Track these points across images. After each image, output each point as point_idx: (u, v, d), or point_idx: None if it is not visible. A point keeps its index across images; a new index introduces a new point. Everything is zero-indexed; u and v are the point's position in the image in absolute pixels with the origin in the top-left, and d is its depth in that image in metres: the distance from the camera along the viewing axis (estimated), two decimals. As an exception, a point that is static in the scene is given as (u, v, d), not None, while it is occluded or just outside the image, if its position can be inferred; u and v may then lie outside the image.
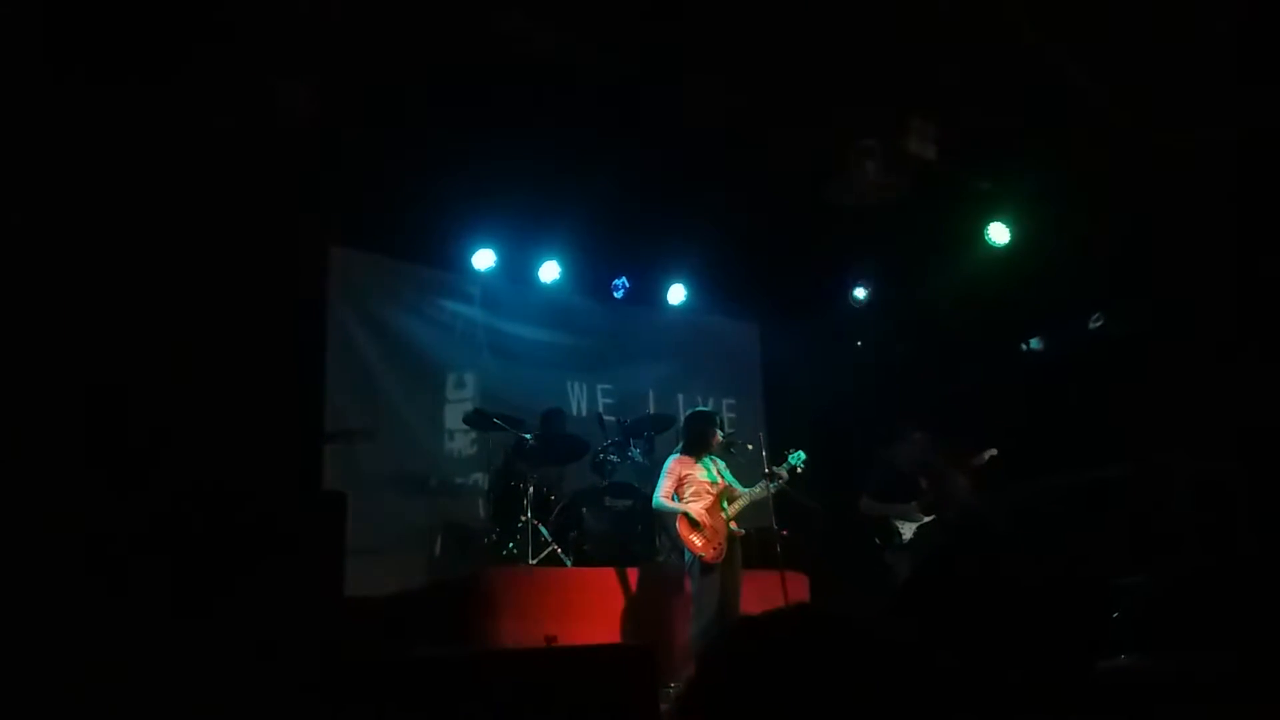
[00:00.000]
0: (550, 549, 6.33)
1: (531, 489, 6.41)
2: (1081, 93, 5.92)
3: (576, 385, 8.29)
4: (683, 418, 6.52)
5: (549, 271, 7.87)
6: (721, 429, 6.09)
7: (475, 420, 7.08)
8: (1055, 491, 6.62)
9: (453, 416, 7.53)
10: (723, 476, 5.92)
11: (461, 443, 7.59)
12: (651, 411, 7.96)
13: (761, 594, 5.85)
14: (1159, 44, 5.35)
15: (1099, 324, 7.46)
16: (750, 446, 6.26)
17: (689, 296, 8.62)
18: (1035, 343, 6.82)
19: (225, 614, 3.19)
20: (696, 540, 5.64)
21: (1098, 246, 6.90)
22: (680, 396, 8.57)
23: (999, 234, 7.34)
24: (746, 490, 5.89)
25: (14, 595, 2.95)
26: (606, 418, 7.43)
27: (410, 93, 5.60)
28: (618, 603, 6.00)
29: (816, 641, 0.92)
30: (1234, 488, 5.88)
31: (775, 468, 5.90)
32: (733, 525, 5.74)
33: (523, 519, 6.31)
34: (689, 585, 5.75)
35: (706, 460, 5.92)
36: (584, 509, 6.69)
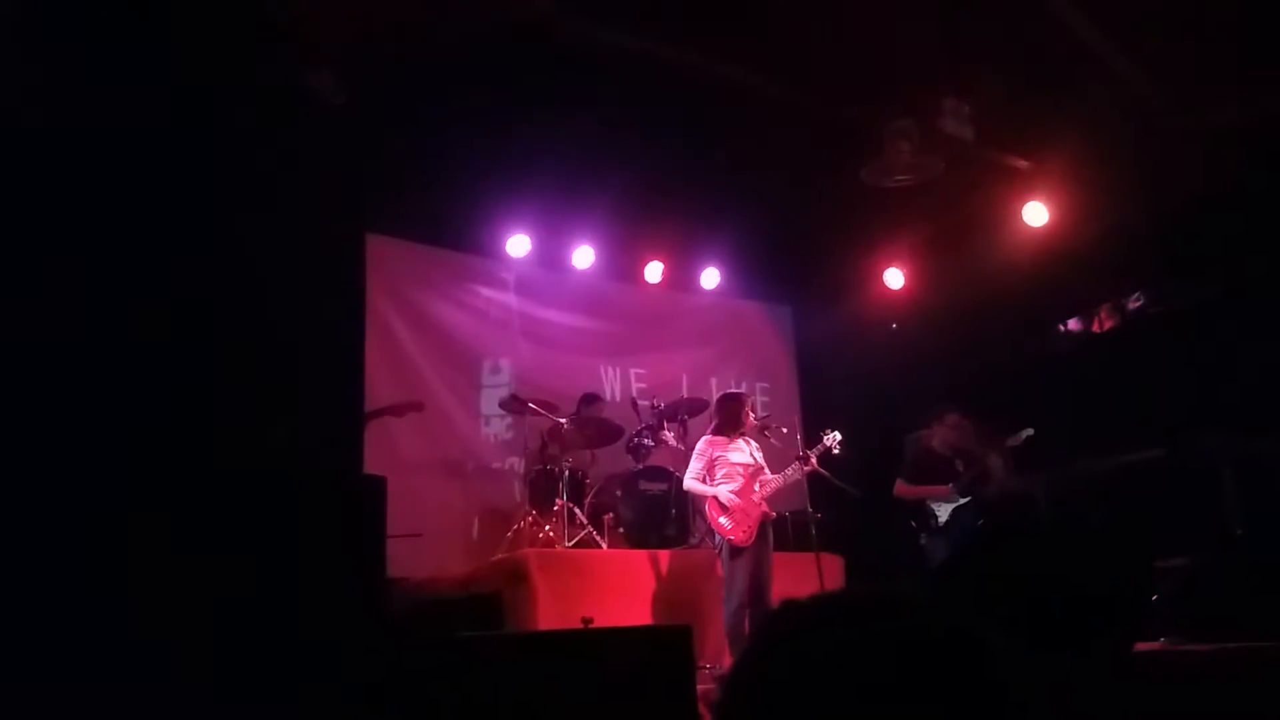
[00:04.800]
0: (585, 532, 6.38)
1: (567, 473, 6.46)
2: (1119, 72, 5.82)
3: (610, 370, 8.33)
4: (715, 400, 6.53)
5: (583, 257, 7.90)
6: (754, 411, 6.08)
7: (511, 405, 7.14)
8: (1093, 473, 6.56)
9: (489, 402, 7.60)
10: (755, 458, 5.91)
11: (498, 427, 7.66)
12: (685, 395, 7.98)
13: (797, 576, 5.86)
14: (1195, 22, 5.25)
15: (1138, 304, 7.36)
16: (785, 430, 6.26)
17: (722, 280, 8.61)
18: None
19: (268, 596, 3.26)
20: (726, 522, 5.66)
21: (1135, 227, 6.81)
22: (714, 380, 8.57)
23: (1036, 215, 7.24)
24: (779, 474, 5.88)
25: (47, 581, 3.02)
26: (640, 402, 7.46)
27: (445, 80, 5.63)
28: (652, 585, 6.05)
29: (863, 624, 0.90)
30: (1276, 468, 5.80)
31: (812, 450, 5.89)
32: (764, 508, 5.75)
33: (558, 502, 6.37)
34: (720, 568, 5.77)
35: (740, 442, 5.92)
36: (618, 492, 6.73)
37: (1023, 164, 7.01)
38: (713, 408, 6.30)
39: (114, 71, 3.70)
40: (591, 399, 7.30)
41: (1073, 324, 7.96)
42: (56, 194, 3.47)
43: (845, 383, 8.57)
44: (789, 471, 5.87)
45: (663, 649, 3.69)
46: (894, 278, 8.45)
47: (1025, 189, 7.19)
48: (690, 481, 5.89)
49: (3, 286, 3.19)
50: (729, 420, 5.95)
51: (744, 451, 5.89)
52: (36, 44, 3.54)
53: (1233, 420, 5.94)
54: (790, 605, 0.96)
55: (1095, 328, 7.77)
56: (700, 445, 5.98)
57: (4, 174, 3.27)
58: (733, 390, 6.47)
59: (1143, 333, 7.21)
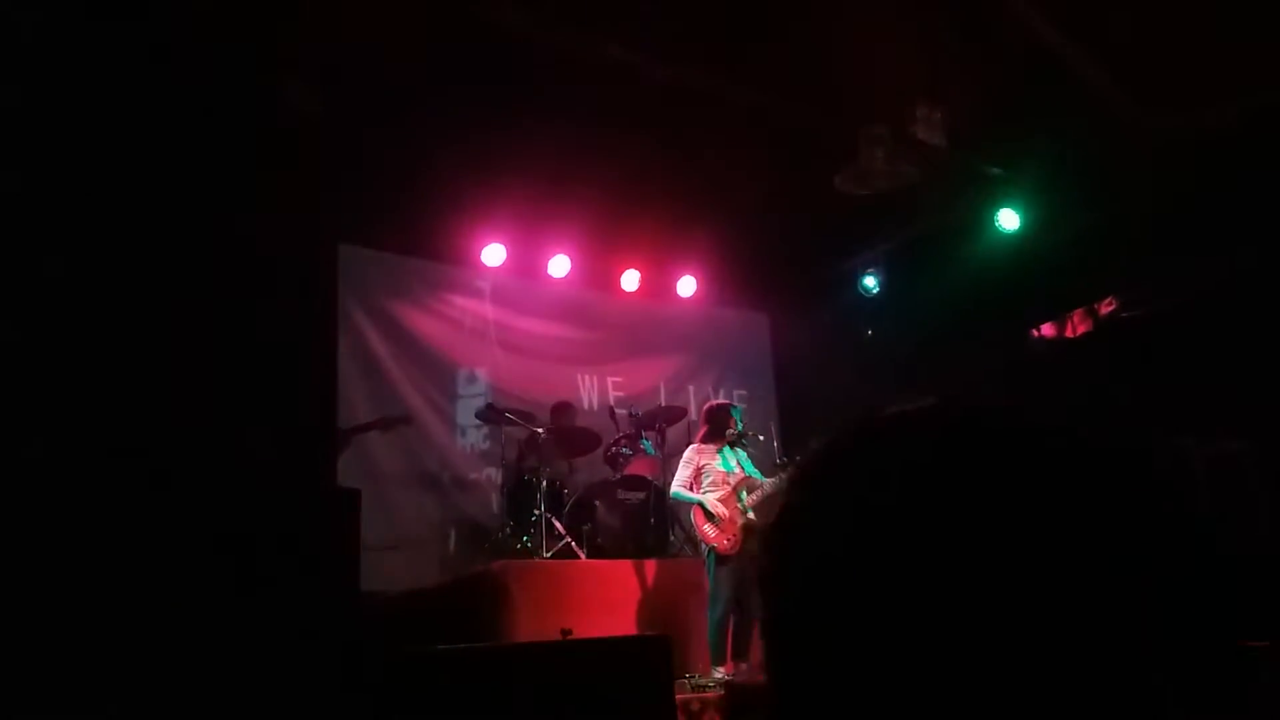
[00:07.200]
0: (564, 542, 6.34)
1: (544, 483, 6.42)
2: (1090, 78, 5.89)
3: (587, 378, 8.30)
4: (695, 409, 6.52)
5: (559, 266, 7.88)
6: (739, 423, 6.06)
7: (487, 415, 7.10)
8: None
9: (464, 412, 7.55)
10: (742, 467, 5.91)
11: (474, 438, 7.61)
12: (663, 404, 7.98)
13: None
14: (1165, 28, 5.32)
15: (1111, 309, 7.43)
16: (761, 438, 6.25)
17: (699, 288, 8.62)
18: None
19: (241, 611, 3.21)
20: (710, 531, 5.65)
21: (1107, 232, 6.88)
22: (691, 388, 8.57)
23: (1009, 220, 7.30)
24: (765, 481, 5.88)
25: (25, 592, 2.97)
26: (618, 410, 7.44)
27: (418, 88, 5.60)
28: (633, 595, 6.02)
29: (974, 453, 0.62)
30: (1248, 469, 5.86)
31: (797, 459, 5.87)
32: (749, 516, 5.74)
33: (536, 513, 6.33)
34: (704, 577, 5.75)
35: (725, 450, 5.92)
36: (597, 502, 6.71)
37: (995, 170, 7.07)
38: (700, 417, 6.26)
39: (86, 70, 3.65)
40: (563, 407, 7.27)
41: (1046, 329, 8.02)
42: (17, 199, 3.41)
43: (822, 389, 8.59)
44: (776, 480, 5.86)
45: (642, 659, 3.67)
46: (869, 284, 8.49)
47: (998, 195, 7.25)
48: (678, 489, 5.88)
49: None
50: (716, 429, 5.95)
51: (730, 460, 5.89)
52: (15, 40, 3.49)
53: (1206, 422, 6.01)
54: (863, 426, 0.67)
55: (1069, 333, 7.83)
56: (688, 453, 5.98)
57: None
58: (719, 400, 6.46)
59: (1115, 337, 7.28)
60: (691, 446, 6.00)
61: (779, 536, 0.67)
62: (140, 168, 3.75)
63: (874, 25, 5.31)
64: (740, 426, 6.09)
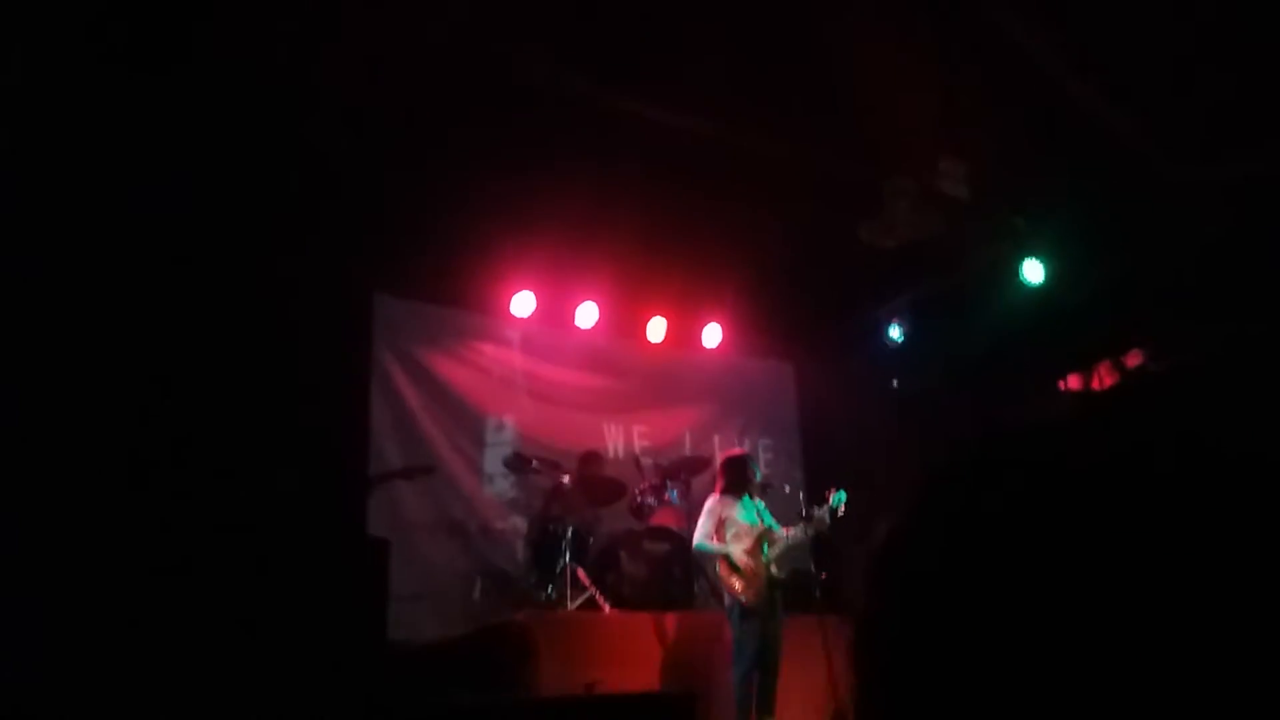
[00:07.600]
0: (588, 594, 6.31)
1: (570, 532, 6.41)
2: (1116, 129, 5.92)
3: (613, 427, 8.32)
4: (719, 460, 6.51)
5: (586, 315, 7.94)
6: (757, 472, 6.06)
7: (514, 464, 7.13)
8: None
9: (492, 460, 7.58)
10: (763, 519, 5.88)
11: (501, 486, 7.63)
12: (688, 453, 7.96)
13: (799, 640, 5.78)
14: (1191, 78, 5.35)
15: (1138, 362, 7.38)
16: (787, 488, 6.22)
17: (725, 338, 8.65)
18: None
19: (272, 658, 3.23)
20: (737, 583, 5.60)
21: (1133, 283, 6.86)
22: (716, 438, 8.56)
23: (1034, 272, 7.31)
24: (786, 533, 5.84)
25: (61, 631, 3.00)
26: (643, 460, 7.44)
27: (449, 139, 5.72)
28: (657, 649, 5.96)
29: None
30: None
31: (816, 509, 5.85)
32: (773, 569, 5.70)
33: (561, 563, 6.31)
34: (729, 631, 5.70)
35: (746, 501, 5.90)
36: (622, 552, 6.67)
37: (1020, 222, 7.09)
38: (717, 468, 6.26)
39: (121, 113, 3.76)
40: (591, 456, 7.28)
41: (1072, 381, 7.96)
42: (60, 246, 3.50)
43: (847, 439, 8.56)
44: (796, 531, 5.82)
45: (667, 716, 3.65)
46: (894, 334, 8.49)
47: (1023, 247, 7.26)
48: (701, 541, 5.85)
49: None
50: (736, 480, 5.93)
51: (752, 511, 5.86)
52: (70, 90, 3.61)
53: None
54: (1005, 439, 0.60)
55: (1095, 385, 7.77)
56: (709, 504, 5.95)
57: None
58: (736, 451, 6.45)
59: (1141, 388, 7.21)
60: (712, 498, 5.98)
61: (898, 568, 0.59)
62: (175, 213, 3.84)
63: (900, 77, 5.38)
64: (759, 476, 6.08)
